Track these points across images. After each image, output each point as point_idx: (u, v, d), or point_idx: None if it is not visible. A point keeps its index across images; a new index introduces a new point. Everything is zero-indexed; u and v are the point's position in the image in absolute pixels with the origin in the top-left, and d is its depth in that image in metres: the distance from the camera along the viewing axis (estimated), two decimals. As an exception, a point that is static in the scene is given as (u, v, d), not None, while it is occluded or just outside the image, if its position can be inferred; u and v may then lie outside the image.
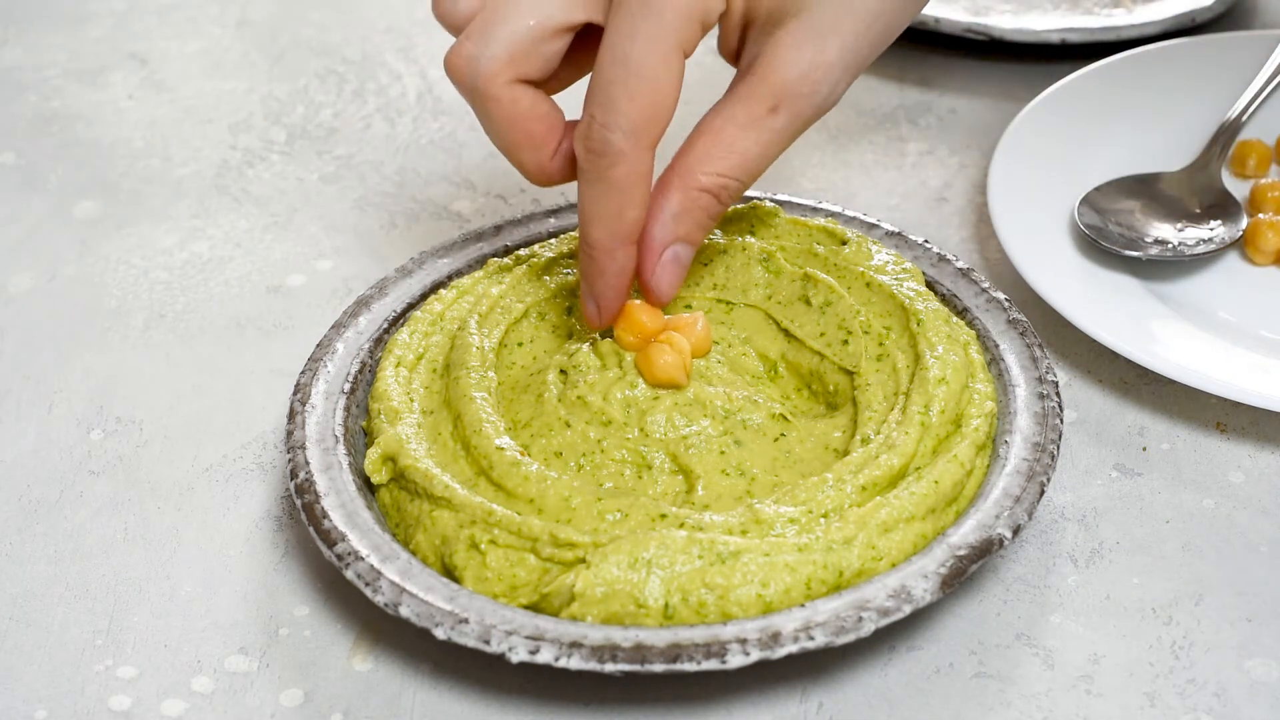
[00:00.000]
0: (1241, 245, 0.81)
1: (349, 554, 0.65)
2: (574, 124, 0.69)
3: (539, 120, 0.69)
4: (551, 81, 0.70)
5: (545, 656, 0.62)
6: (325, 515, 0.67)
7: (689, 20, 0.66)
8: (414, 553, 0.67)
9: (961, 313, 0.74)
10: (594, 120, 0.66)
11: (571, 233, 0.78)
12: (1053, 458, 0.68)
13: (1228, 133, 0.86)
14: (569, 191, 0.88)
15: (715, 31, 0.70)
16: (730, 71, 0.70)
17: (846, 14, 0.67)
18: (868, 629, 0.62)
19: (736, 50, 0.70)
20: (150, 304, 0.83)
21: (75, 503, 0.73)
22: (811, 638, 0.62)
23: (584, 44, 0.69)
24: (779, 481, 0.68)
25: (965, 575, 0.64)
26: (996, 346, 0.73)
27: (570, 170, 0.70)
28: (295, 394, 0.72)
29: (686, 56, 0.66)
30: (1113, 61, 0.91)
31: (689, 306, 0.75)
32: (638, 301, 0.71)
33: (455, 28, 0.70)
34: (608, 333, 0.73)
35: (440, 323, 0.74)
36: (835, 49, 0.67)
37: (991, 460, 0.69)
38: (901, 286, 0.73)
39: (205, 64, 1.00)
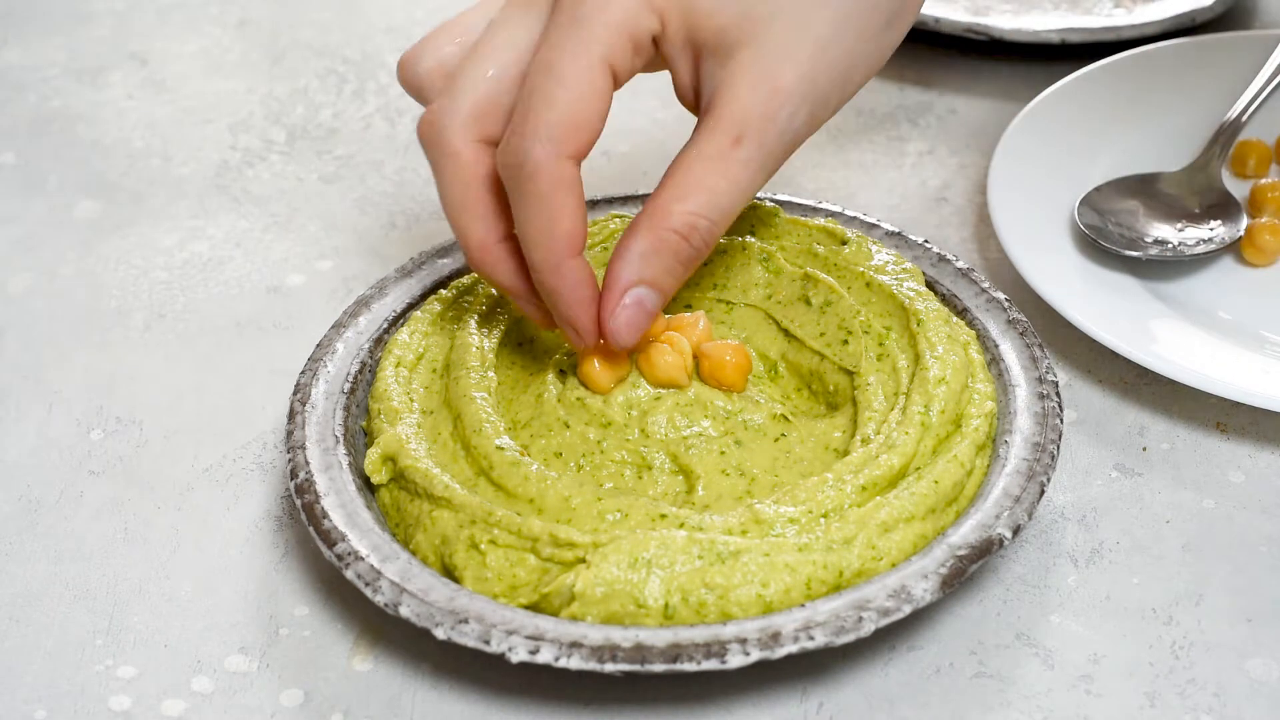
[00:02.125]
0: (1239, 248, 0.81)
1: (349, 554, 0.65)
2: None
3: (496, 189, 0.66)
4: None
5: (545, 656, 0.62)
6: (325, 515, 0.67)
7: (616, 33, 0.64)
8: (414, 553, 0.67)
9: (961, 313, 0.75)
10: (512, 133, 0.63)
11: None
12: (1053, 458, 0.68)
13: (1228, 133, 0.86)
14: (569, 191, 0.88)
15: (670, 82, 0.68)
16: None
17: (798, 40, 0.65)
18: (868, 629, 0.62)
19: (694, 89, 0.68)
20: (150, 304, 0.83)
21: (75, 503, 0.73)
22: (811, 638, 0.62)
23: None
24: (779, 481, 0.68)
25: (965, 575, 0.64)
26: (996, 346, 0.73)
27: (515, 258, 0.67)
28: (295, 394, 0.72)
29: (618, 80, 0.64)
30: (1113, 61, 0.91)
31: (689, 306, 0.75)
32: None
33: (420, 93, 0.68)
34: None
35: (440, 323, 0.74)
36: (790, 75, 0.65)
37: (991, 460, 0.69)
38: (901, 286, 0.73)
39: (205, 64, 1.00)
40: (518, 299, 0.69)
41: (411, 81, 0.68)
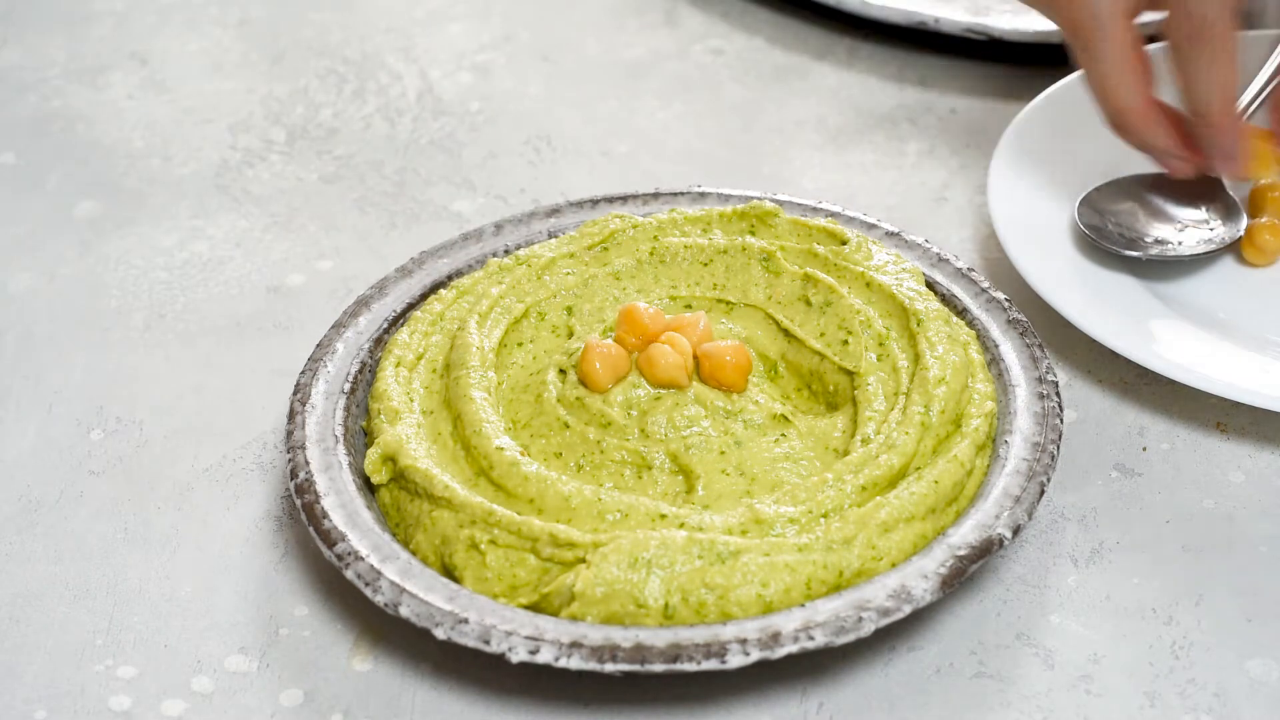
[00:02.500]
0: (1239, 248, 0.81)
1: (349, 554, 0.65)
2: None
3: (1144, 56, 0.76)
4: None
5: (545, 656, 0.62)
6: (325, 515, 0.67)
7: None
8: (414, 553, 0.67)
9: (961, 313, 0.75)
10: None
11: (570, 232, 0.78)
12: (1053, 458, 0.68)
13: (1228, 133, 0.86)
14: (569, 191, 0.88)
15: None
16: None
17: None
18: (868, 629, 0.62)
19: None
20: (150, 304, 0.83)
21: (75, 503, 0.73)
22: (811, 638, 0.62)
23: None
24: (779, 481, 0.68)
25: (965, 575, 0.64)
26: (996, 346, 0.73)
27: (1165, 117, 0.77)
28: (295, 394, 0.72)
29: None
30: (1113, 61, 0.91)
31: (689, 306, 0.75)
32: (642, 305, 0.72)
33: None
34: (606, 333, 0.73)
35: (440, 323, 0.74)
36: None
37: (991, 460, 0.69)
38: (901, 286, 0.73)
39: (205, 64, 1.00)
40: (1167, 154, 0.78)
41: None
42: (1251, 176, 0.79)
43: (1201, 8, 0.74)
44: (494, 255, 0.78)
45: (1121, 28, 0.75)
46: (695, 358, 0.71)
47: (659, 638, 0.62)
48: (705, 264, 0.76)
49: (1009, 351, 0.73)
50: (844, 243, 0.75)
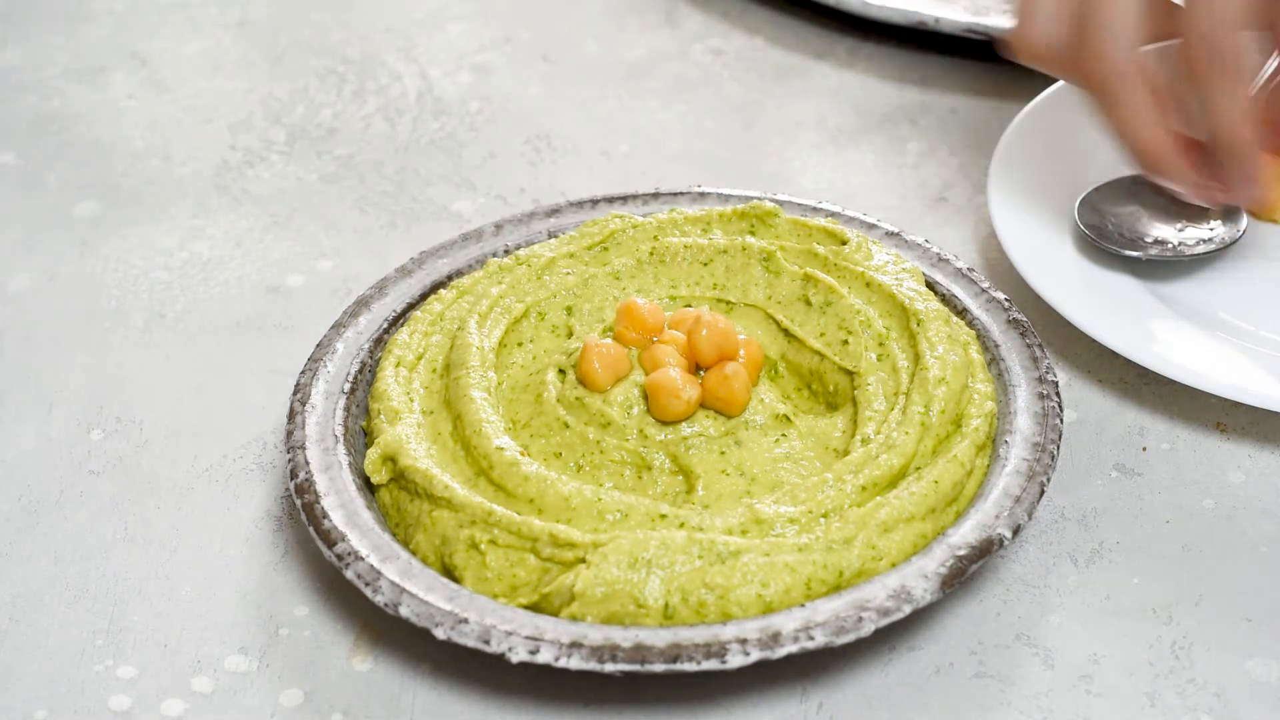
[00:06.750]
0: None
1: (349, 554, 0.65)
2: None
3: (1163, 96, 0.75)
4: None
5: (545, 656, 0.62)
6: (325, 515, 0.67)
7: None
8: (414, 553, 0.67)
9: (961, 313, 0.75)
10: (1204, 20, 0.73)
11: (570, 232, 0.78)
12: (1053, 458, 0.68)
13: (1228, 133, 0.86)
14: (569, 191, 0.88)
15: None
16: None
17: None
18: (868, 629, 0.62)
19: None
20: (150, 304, 0.83)
21: (75, 503, 0.73)
22: (811, 638, 0.62)
23: None
24: (779, 481, 0.68)
25: (965, 575, 0.64)
26: (996, 346, 0.73)
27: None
28: (295, 394, 0.72)
29: None
30: (1113, 61, 0.91)
31: (689, 306, 0.75)
32: (640, 300, 0.72)
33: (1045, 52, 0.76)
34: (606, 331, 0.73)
35: (440, 323, 0.74)
36: None
37: (991, 460, 0.69)
38: (901, 286, 0.73)
39: (205, 64, 1.00)
40: (1196, 186, 0.77)
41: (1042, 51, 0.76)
42: (1266, 203, 0.80)
43: (1214, 35, 0.74)
44: (494, 255, 0.78)
45: (1139, 74, 0.75)
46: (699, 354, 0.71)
47: (659, 638, 0.62)
48: (705, 264, 0.76)
49: (1009, 351, 0.73)
50: (844, 243, 0.75)
